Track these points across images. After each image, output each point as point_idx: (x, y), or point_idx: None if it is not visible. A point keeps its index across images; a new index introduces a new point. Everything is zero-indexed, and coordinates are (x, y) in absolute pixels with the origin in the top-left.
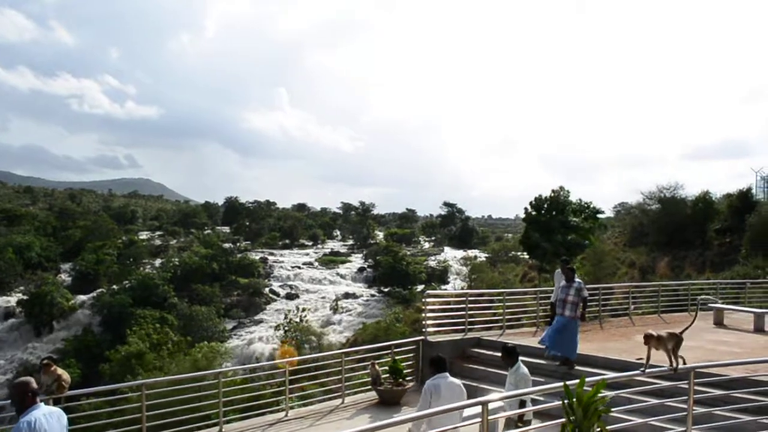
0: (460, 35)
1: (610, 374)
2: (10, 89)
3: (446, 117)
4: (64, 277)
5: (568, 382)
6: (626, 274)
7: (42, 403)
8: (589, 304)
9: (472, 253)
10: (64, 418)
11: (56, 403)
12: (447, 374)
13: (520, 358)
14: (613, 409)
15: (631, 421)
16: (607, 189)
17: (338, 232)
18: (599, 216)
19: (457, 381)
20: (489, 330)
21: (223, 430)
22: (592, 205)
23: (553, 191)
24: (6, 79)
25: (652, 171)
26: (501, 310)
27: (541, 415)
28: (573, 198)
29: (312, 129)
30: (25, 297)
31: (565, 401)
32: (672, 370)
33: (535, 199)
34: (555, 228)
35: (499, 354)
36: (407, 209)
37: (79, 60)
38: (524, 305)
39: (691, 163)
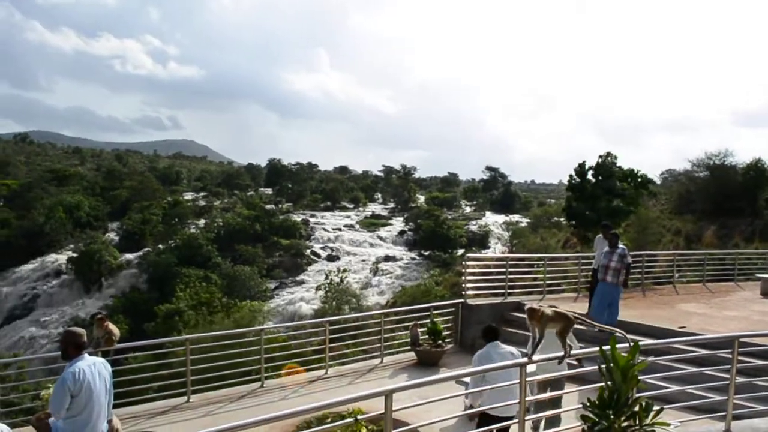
0: None
1: (650, 341)
2: (54, 50)
3: (488, 79)
4: (112, 236)
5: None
6: (671, 242)
7: (86, 355)
8: (632, 271)
9: (513, 218)
10: (108, 368)
11: (105, 356)
12: (498, 342)
13: None
14: (651, 376)
15: (669, 388)
16: (653, 155)
17: (379, 195)
18: (648, 185)
19: (510, 348)
20: (529, 294)
21: (265, 385)
22: (640, 173)
23: (600, 157)
24: (50, 40)
25: (701, 137)
26: (542, 275)
27: (576, 380)
28: (620, 164)
29: (353, 91)
30: (74, 255)
31: (602, 365)
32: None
33: (579, 165)
34: (599, 195)
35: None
36: (449, 173)
37: (120, 20)
38: (565, 270)
39: (742, 129)
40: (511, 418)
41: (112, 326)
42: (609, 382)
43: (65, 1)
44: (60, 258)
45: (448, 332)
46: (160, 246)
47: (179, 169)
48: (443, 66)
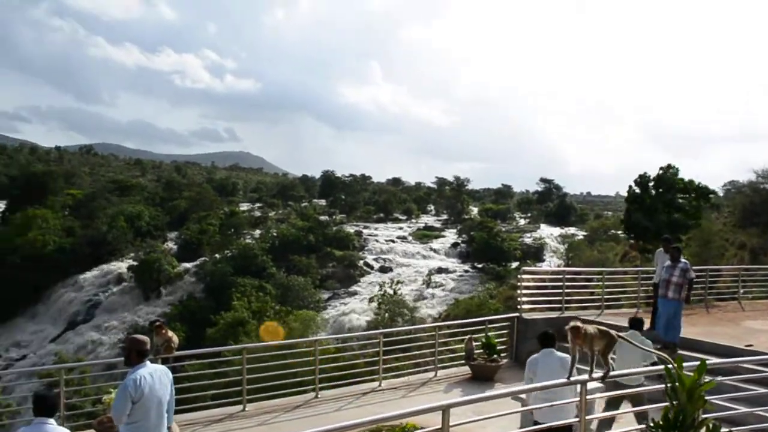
0: (556, 3)
1: (714, 359)
2: (118, 66)
3: (543, 89)
4: (171, 245)
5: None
6: (735, 256)
7: (148, 362)
8: (694, 286)
9: (569, 230)
10: (169, 376)
11: (164, 363)
12: (552, 350)
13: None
14: (717, 397)
15: (736, 410)
16: (715, 165)
17: (432, 207)
18: (710, 196)
19: (561, 355)
20: (586, 309)
21: (319, 396)
22: (702, 185)
23: (660, 169)
24: (114, 55)
25: (766, 147)
26: (599, 290)
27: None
28: (681, 176)
29: (405, 102)
30: (135, 263)
31: (668, 385)
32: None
33: (640, 176)
34: (659, 207)
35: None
36: (503, 185)
37: (180, 35)
38: (624, 285)
39: None
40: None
41: (171, 334)
42: (674, 402)
43: (128, 17)
44: (121, 266)
45: (503, 347)
46: (217, 255)
47: (236, 181)
48: (496, 77)
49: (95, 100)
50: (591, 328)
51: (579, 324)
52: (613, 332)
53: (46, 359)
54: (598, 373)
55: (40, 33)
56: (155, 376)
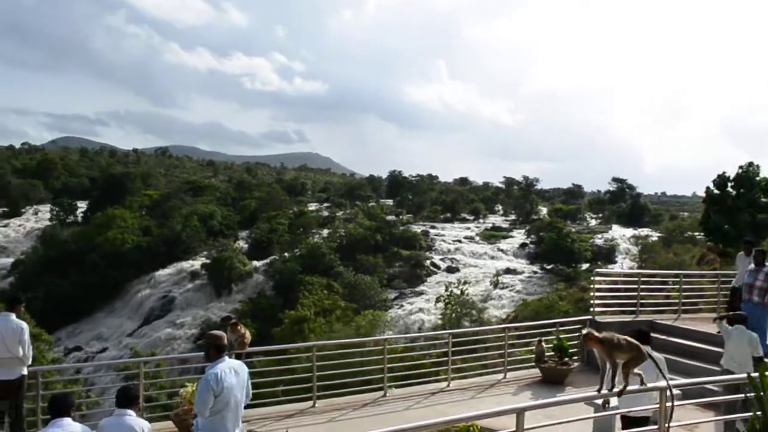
0: None
1: None
2: (191, 70)
3: (614, 85)
4: (242, 244)
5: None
6: None
7: (227, 357)
8: None
9: (642, 232)
10: (245, 371)
11: (237, 358)
12: (649, 348)
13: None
14: None
15: None
16: None
17: (500, 207)
18: None
19: (656, 355)
20: (662, 313)
21: (388, 394)
22: None
23: (740, 167)
24: (187, 60)
25: None
26: (676, 293)
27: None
28: (764, 175)
29: (472, 101)
30: (208, 261)
31: (751, 394)
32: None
33: (718, 176)
34: (740, 208)
35: (676, 339)
36: (573, 184)
37: (250, 39)
38: (702, 289)
39: None
40: (642, 419)
41: (244, 330)
42: (759, 413)
43: (200, 23)
44: (195, 264)
45: (575, 350)
46: (286, 254)
47: (304, 181)
48: (566, 74)
49: (170, 103)
50: (618, 338)
51: (593, 332)
52: (644, 349)
53: (124, 352)
54: (617, 387)
55: (118, 40)
56: (233, 371)
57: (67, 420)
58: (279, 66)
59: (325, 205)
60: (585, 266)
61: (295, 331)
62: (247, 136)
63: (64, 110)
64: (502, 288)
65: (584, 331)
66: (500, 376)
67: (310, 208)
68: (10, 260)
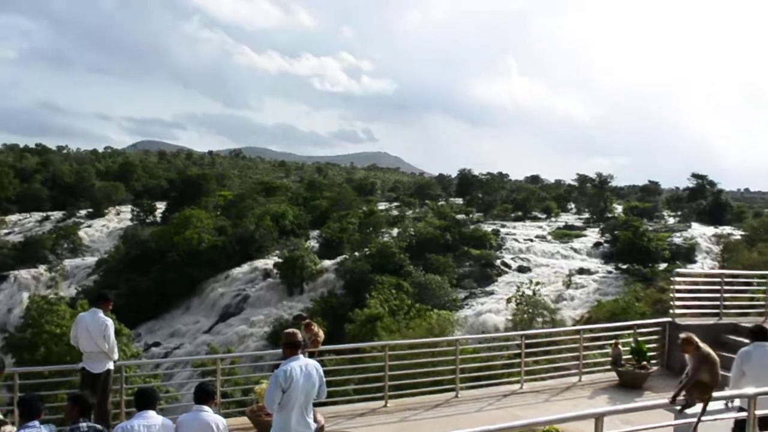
0: None
1: None
2: (262, 72)
3: (693, 77)
4: (313, 243)
5: None
6: None
7: (302, 355)
8: None
9: (724, 230)
10: (319, 369)
11: (310, 357)
12: (765, 344)
13: None
14: None
15: None
16: None
17: (573, 205)
18: None
19: None
20: (746, 316)
21: (459, 395)
22: None
23: None
24: (258, 62)
25: None
26: (762, 295)
27: None
28: None
29: (543, 97)
30: (280, 260)
31: None
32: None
33: None
34: None
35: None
36: (649, 181)
37: (318, 40)
38: None
39: None
40: None
41: (317, 329)
42: None
43: (270, 25)
44: (268, 262)
45: (654, 353)
46: (356, 253)
47: (374, 180)
48: (640, 67)
49: (243, 105)
50: (714, 359)
51: (694, 338)
52: (717, 371)
53: (200, 349)
54: (680, 398)
55: (192, 46)
56: (304, 369)
57: (152, 413)
58: (347, 65)
59: (395, 204)
60: (663, 266)
61: (367, 329)
62: (317, 136)
63: (143, 114)
64: (575, 288)
65: (685, 335)
66: (575, 379)
67: (380, 208)
68: (95, 259)
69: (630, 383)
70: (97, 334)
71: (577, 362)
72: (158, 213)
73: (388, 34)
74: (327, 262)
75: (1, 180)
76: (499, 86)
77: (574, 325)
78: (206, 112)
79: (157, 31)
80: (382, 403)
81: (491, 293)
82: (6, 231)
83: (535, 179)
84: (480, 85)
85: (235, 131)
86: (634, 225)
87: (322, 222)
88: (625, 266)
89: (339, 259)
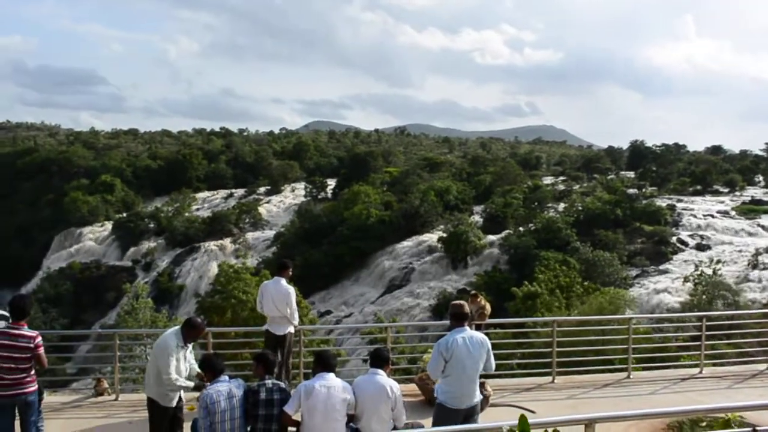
0: None
1: None
2: (424, 50)
3: None
4: (477, 218)
5: None
6: None
7: (467, 328)
8: None
9: None
10: (486, 342)
11: (477, 329)
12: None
13: None
14: None
15: None
16: None
17: (761, 178)
18: None
19: None
20: None
21: (632, 376)
22: None
23: None
24: (419, 40)
25: None
26: None
27: None
28: None
29: (727, 59)
30: (444, 234)
31: None
32: None
33: None
34: None
35: None
36: None
37: (478, 13)
38: None
39: None
40: None
41: (485, 302)
42: None
43: (431, 3)
44: (432, 237)
45: None
46: (521, 229)
47: (539, 154)
48: None
49: (406, 84)
50: None
51: None
52: None
53: (368, 318)
54: None
55: (356, 28)
56: (467, 340)
57: (331, 375)
58: (508, 38)
59: (561, 178)
60: None
61: (528, 306)
62: (480, 111)
63: (312, 96)
64: (763, 269)
65: None
66: (762, 366)
67: (545, 182)
68: (273, 232)
69: None
70: (280, 301)
71: (764, 348)
72: (329, 189)
73: (551, 3)
74: (491, 237)
75: (192, 161)
76: (674, 50)
77: (761, 309)
78: (371, 92)
79: (322, 17)
80: (549, 378)
81: (665, 272)
82: (196, 207)
83: (716, 150)
84: (653, 50)
85: (399, 109)
86: None
87: (486, 197)
88: None
89: (503, 234)
